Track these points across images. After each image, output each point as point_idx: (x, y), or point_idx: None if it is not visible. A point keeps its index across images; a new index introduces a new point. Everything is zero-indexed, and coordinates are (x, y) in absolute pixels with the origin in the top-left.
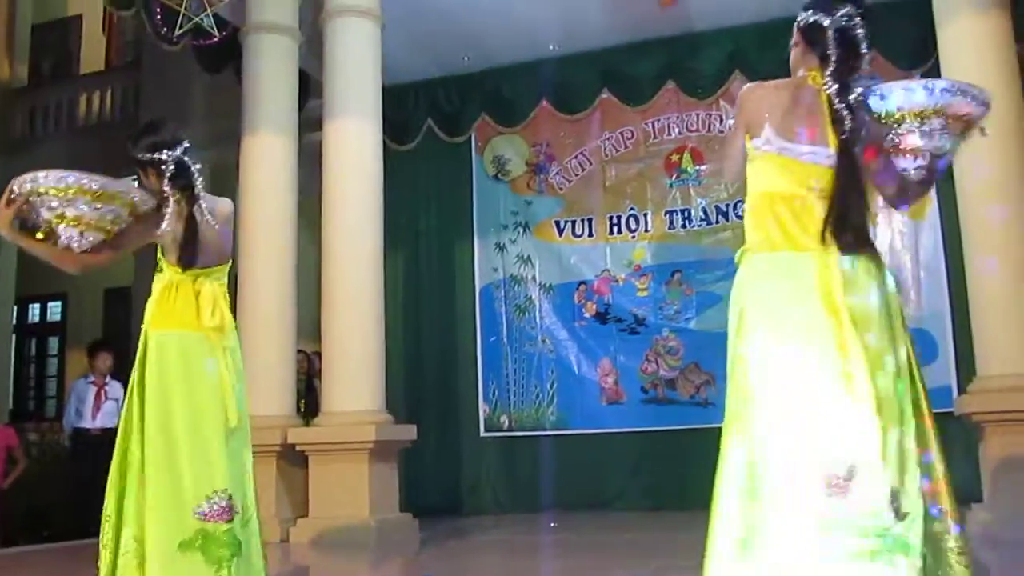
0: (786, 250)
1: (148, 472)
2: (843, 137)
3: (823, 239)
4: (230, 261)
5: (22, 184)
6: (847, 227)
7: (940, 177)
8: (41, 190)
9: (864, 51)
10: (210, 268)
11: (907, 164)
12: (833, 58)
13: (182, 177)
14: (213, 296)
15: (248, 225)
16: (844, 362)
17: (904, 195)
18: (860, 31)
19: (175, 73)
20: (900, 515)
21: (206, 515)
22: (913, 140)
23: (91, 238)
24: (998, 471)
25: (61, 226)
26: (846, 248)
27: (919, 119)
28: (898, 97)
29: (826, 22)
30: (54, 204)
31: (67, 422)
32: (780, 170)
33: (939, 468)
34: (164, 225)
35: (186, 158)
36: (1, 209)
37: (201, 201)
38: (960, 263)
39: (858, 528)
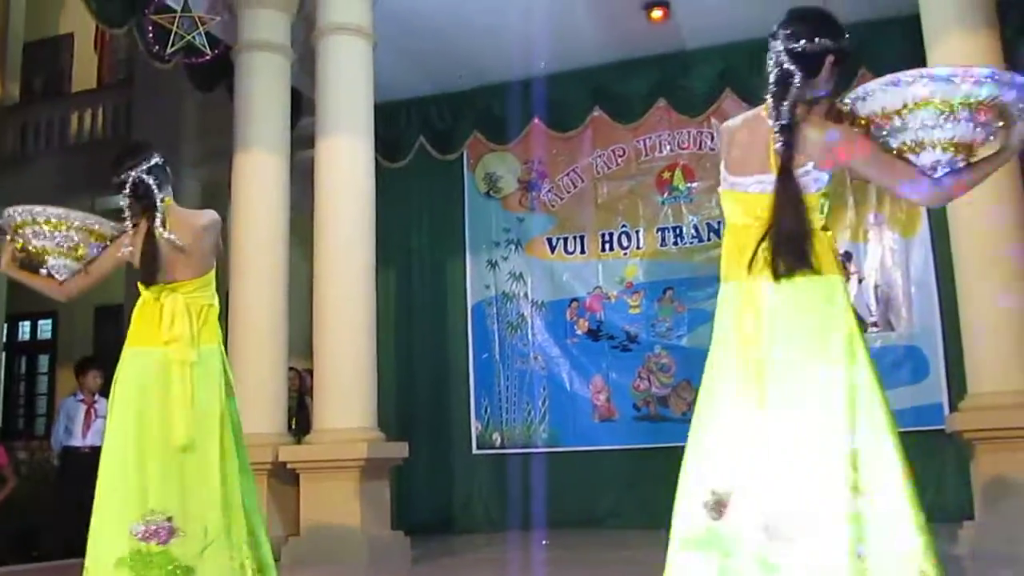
0: (726, 280)
1: (98, 489)
2: (780, 160)
3: (750, 266)
4: (210, 273)
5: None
6: (780, 250)
7: (1002, 163)
8: (13, 225)
9: (789, 68)
10: (176, 283)
11: (921, 161)
12: (769, 81)
13: (145, 196)
14: (173, 310)
15: (240, 242)
16: (753, 391)
17: (918, 190)
18: (781, 51)
19: (167, 91)
20: (780, 538)
21: (139, 534)
22: (920, 135)
23: (58, 264)
24: (989, 488)
25: (33, 255)
26: (782, 272)
27: (901, 116)
28: (879, 97)
29: (771, 47)
30: (26, 236)
31: (56, 440)
32: (734, 204)
33: (897, 489)
34: (125, 244)
35: (146, 176)
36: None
37: (158, 217)
38: (951, 280)
39: (728, 549)
